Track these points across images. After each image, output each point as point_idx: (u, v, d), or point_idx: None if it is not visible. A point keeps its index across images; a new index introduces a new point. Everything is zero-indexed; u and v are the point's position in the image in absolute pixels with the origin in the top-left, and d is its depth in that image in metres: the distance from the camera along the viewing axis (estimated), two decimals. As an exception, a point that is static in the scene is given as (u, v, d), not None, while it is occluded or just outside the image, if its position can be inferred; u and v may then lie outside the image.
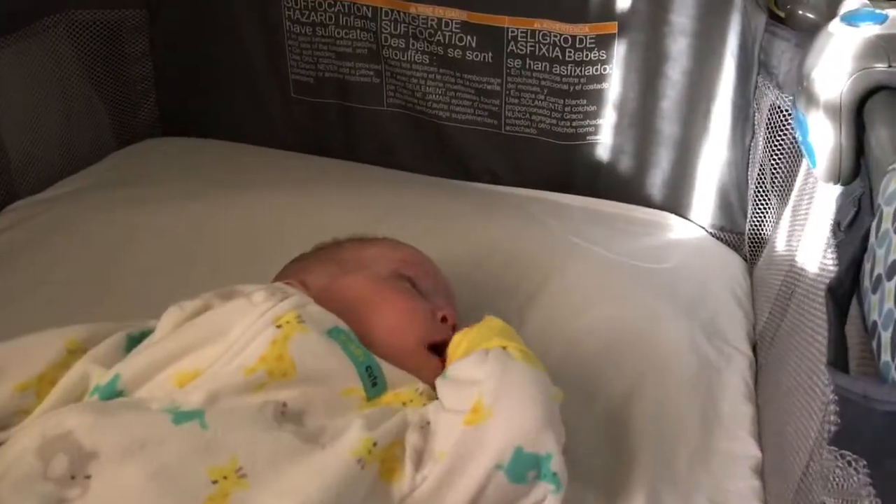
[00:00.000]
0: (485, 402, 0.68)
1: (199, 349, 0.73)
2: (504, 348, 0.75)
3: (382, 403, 0.73)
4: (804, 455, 0.71)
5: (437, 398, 0.75)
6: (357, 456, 0.66)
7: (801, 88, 0.78)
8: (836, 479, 0.60)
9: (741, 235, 1.22)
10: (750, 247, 1.19)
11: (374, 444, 0.67)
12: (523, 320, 1.01)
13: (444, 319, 0.86)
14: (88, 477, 0.61)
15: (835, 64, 0.74)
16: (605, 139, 1.28)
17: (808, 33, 0.98)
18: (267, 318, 0.74)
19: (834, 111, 0.74)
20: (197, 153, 1.42)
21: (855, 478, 0.56)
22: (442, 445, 0.68)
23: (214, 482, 0.62)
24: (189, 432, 0.64)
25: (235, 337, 0.73)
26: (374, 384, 0.74)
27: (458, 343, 0.81)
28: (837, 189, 0.78)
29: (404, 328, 0.83)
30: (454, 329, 0.86)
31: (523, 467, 0.68)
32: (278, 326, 0.73)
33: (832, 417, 0.63)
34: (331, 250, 0.94)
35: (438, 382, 0.75)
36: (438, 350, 0.84)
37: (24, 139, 1.23)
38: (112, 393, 0.70)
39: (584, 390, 0.93)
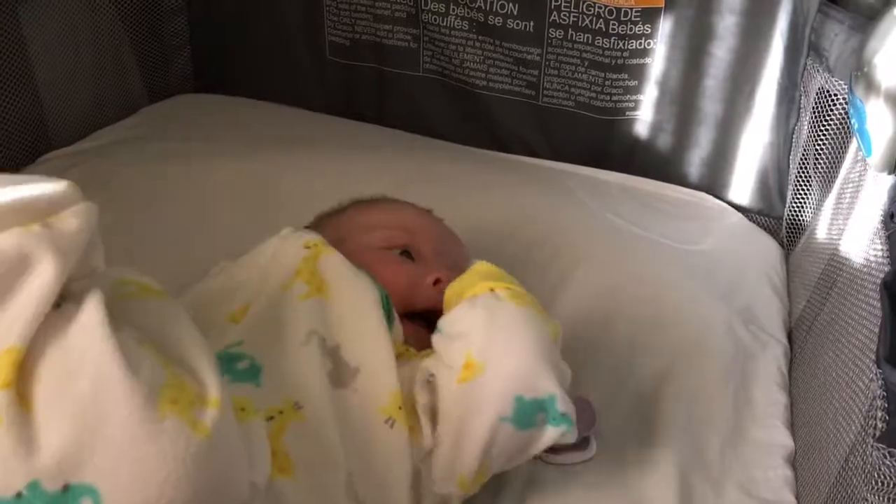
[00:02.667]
0: (475, 357, 0.67)
1: (243, 287, 0.76)
2: (492, 290, 0.73)
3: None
4: (843, 449, 0.70)
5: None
6: (386, 415, 0.67)
7: (861, 74, 0.76)
8: (882, 477, 0.59)
9: (779, 220, 1.20)
10: (787, 232, 1.17)
11: (403, 401, 0.68)
12: (556, 298, 1.00)
13: (436, 282, 0.83)
14: None
15: (899, 50, 0.72)
16: (644, 115, 1.26)
17: (864, 16, 0.96)
18: (297, 242, 0.78)
19: (895, 99, 0.72)
20: (228, 111, 1.41)
21: (904, 477, 0.55)
22: (445, 405, 0.68)
23: (270, 418, 0.63)
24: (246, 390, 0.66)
25: (268, 261, 0.77)
26: (388, 316, 0.74)
27: (450, 296, 0.79)
28: (891, 179, 0.76)
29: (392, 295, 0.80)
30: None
31: (529, 414, 0.66)
32: (307, 247, 0.77)
33: (879, 414, 0.62)
34: (335, 217, 0.94)
35: (434, 338, 0.73)
36: (435, 316, 0.81)
37: (59, 90, 1.22)
38: None
39: (616, 372, 0.92)
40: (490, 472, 0.70)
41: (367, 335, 0.71)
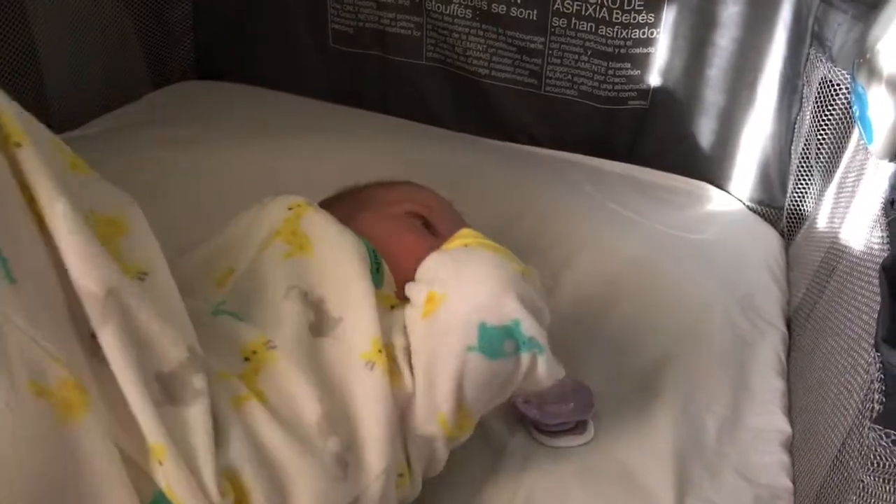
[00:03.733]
0: (436, 290, 0.67)
1: (227, 250, 0.77)
2: (465, 245, 0.73)
3: (379, 296, 0.73)
4: (841, 432, 0.70)
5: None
6: (366, 359, 0.67)
7: (863, 61, 0.76)
8: (878, 458, 0.59)
9: (780, 210, 1.20)
10: (788, 222, 1.18)
11: (384, 345, 0.68)
12: (556, 284, 1.01)
13: None
14: None
15: (901, 37, 0.72)
16: (646, 105, 1.26)
17: (867, 5, 0.96)
18: (280, 204, 0.78)
19: (896, 86, 0.72)
20: (231, 97, 1.41)
21: (899, 457, 0.56)
22: (415, 343, 0.68)
23: (246, 360, 0.64)
24: (224, 321, 0.68)
25: (253, 224, 0.78)
26: (377, 270, 0.75)
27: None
28: (892, 167, 0.77)
29: (407, 261, 0.80)
30: None
31: (496, 341, 0.66)
32: (289, 209, 0.77)
33: (877, 396, 0.62)
34: (351, 193, 0.95)
35: (406, 285, 0.73)
36: None
37: (63, 76, 1.22)
38: None
39: (615, 357, 0.92)
40: (473, 412, 0.70)
41: (351, 287, 0.71)
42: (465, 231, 0.77)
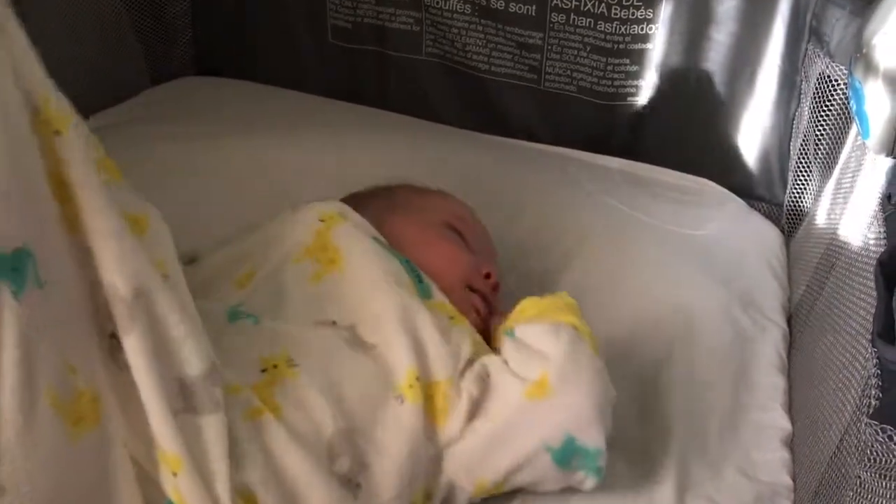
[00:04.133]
0: (551, 381, 0.69)
1: (252, 254, 0.77)
2: (575, 328, 0.74)
3: (434, 307, 0.73)
4: (839, 429, 0.70)
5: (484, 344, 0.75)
6: (397, 392, 0.67)
7: (860, 56, 0.76)
8: (874, 454, 0.59)
9: (779, 207, 1.20)
10: (788, 219, 1.17)
11: (417, 379, 0.68)
12: (557, 280, 1.01)
13: (487, 276, 0.86)
14: None
15: (899, 31, 0.72)
16: (645, 101, 1.26)
17: (864, 1, 0.96)
18: (312, 213, 0.78)
19: (893, 80, 0.72)
20: (231, 93, 1.41)
21: (895, 452, 0.55)
22: (499, 408, 0.69)
23: (264, 370, 0.64)
24: (241, 327, 0.67)
25: (280, 233, 0.77)
26: (420, 280, 0.75)
27: (526, 308, 0.79)
28: (889, 161, 0.76)
29: (448, 271, 0.82)
30: (495, 289, 0.86)
31: (570, 456, 0.69)
32: (322, 220, 0.77)
33: (873, 392, 0.62)
34: (385, 193, 0.95)
35: (505, 340, 0.75)
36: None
37: (60, 72, 1.20)
38: None
39: (615, 354, 0.91)
40: (508, 486, 0.71)
41: (384, 312, 0.72)
42: (569, 299, 0.78)
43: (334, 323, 0.70)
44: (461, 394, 0.69)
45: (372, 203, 0.90)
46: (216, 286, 0.75)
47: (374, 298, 0.73)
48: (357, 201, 0.92)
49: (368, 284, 0.73)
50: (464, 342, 0.73)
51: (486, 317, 0.84)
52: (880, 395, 0.60)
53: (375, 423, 0.66)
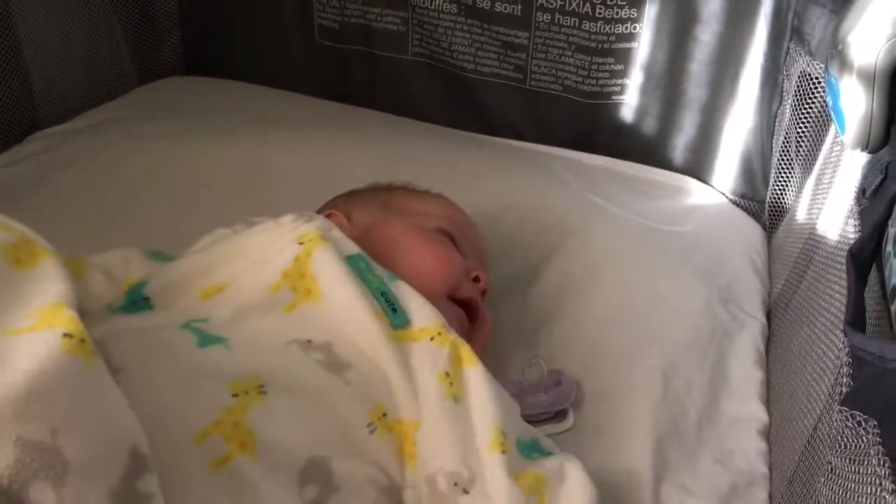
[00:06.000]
0: (546, 496, 0.66)
1: (225, 265, 0.74)
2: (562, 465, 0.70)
3: (409, 339, 0.71)
4: (813, 418, 0.71)
5: (459, 338, 0.73)
6: (368, 420, 0.66)
7: (836, 52, 0.77)
8: (845, 440, 0.60)
9: (761, 204, 1.21)
10: (770, 215, 1.19)
11: (384, 415, 0.67)
12: (539, 276, 1.02)
13: (476, 279, 0.86)
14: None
15: (872, 28, 0.73)
16: (630, 99, 1.27)
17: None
18: (291, 235, 0.74)
19: (868, 77, 0.73)
20: (218, 93, 1.42)
21: (864, 438, 0.57)
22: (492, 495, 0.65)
23: (235, 395, 0.62)
24: (214, 353, 0.65)
25: (259, 252, 0.74)
26: (393, 310, 0.73)
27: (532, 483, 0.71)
28: (864, 156, 0.78)
29: (433, 272, 0.81)
30: (484, 294, 0.86)
31: None
32: (301, 243, 0.74)
33: (845, 380, 0.63)
34: (382, 193, 0.95)
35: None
36: (463, 307, 0.84)
37: (48, 69, 1.23)
38: (138, 297, 0.71)
39: (595, 345, 0.93)
40: None
41: (360, 338, 0.70)
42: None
43: (310, 342, 0.69)
44: (438, 479, 0.66)
45: (368, 204, 0.91)
46: (180, 292, 0.72)
47: (350, 329, 0.71)
48: (354, 200, 0.93)
49: (345, 319, 0.71)
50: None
51: (472, 323, 0.84)
52: (851, 382, 0.61)
53: (345, 450, 0.64)
